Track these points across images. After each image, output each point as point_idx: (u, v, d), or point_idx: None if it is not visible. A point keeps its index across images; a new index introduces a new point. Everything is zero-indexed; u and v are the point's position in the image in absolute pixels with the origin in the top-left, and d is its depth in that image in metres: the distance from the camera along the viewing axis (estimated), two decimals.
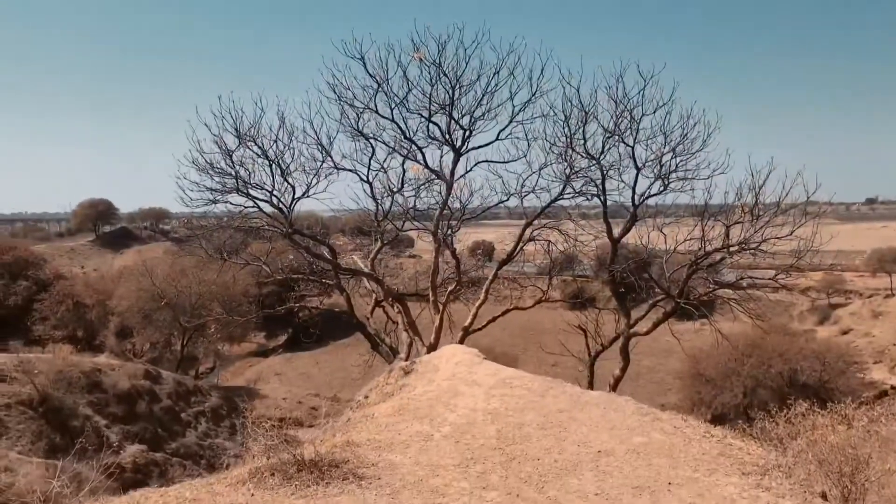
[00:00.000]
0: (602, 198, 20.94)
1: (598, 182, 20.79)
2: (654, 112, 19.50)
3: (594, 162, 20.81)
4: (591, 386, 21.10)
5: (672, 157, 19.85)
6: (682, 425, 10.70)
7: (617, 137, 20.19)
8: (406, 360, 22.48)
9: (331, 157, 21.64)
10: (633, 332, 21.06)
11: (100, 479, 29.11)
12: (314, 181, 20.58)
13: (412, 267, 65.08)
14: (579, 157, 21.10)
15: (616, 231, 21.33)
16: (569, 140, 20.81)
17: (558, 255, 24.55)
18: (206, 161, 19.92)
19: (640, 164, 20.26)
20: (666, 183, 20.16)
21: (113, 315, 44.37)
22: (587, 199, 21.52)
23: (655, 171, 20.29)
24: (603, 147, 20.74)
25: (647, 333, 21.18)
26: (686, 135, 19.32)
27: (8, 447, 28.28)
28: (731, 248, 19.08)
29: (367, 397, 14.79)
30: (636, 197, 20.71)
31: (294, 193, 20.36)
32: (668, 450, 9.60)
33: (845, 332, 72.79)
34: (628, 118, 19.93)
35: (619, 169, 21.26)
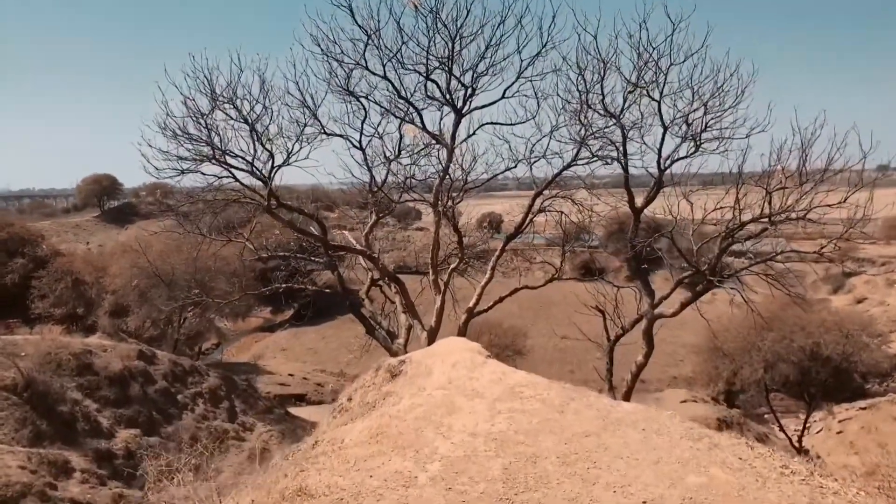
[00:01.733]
0: (623, 161, 17.78)
1: (619, 144, 17.73)
2: (684, 61, 16.39)
3: (614, 121, 17.70)
4: (610, 374, 18.30)
5: (703, 114, 16.78)
6: (750, 455, 7.78)
7: (640, 91, 17.07)
8: (405, 345, 19.69)
9: (318, 120, 18.68)
10: (657, 313, 18.15)
11: (88, 466, 26.46)
12: (295, 147, 17.63)
13: (419, 240, 62.36)
14: (596, 115, 18.06)
15: (638, 200, 18.34)
16: (584, 96, 17.72)
17: (571, 227, 21.62)
18: (177, 126, 17.02)
19: (666, 123, 17.23)
20: (698, 143, 17.15)
21: (107, 293, 41.84)
22: (606, 163, 18.43)
23: (684, 130, 17.24)
24: (623, 103, 17.59)
25: (674, 315, 18.21)
26: (722, 87, 16.24)
27: None
28: (775, 218, 16.03)
29: (350, 399, 11.98)
30: (662, 160, 17.74)
31: (273, 161, 17.44)
32: (739, 497, 6.76)
33: (860, 301, 69.83)
34: (654, 69, 16.85)
35: (641, 129, 18.22)
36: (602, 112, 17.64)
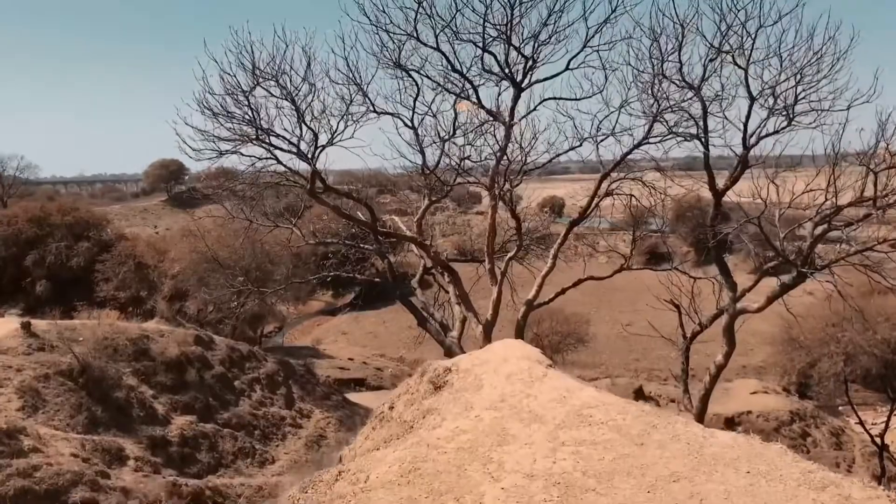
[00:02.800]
0: (703, 138, 15.56)
1: (698, 118, 15.48)
2: (776, 23, 14.07)
3: (692, 93, 15.44)
4: (686, 375, 16.21)
5: (796, 84, 14.42)
6: None
7: (724, 57, 14.81)
8: (458, 339, 17.96)
9: (367, 98, 16.96)
10: (740, 308, 15.90)
11: (142, 454, 25.48)
12: (340, 126, 15.91)
13: (479, 224, 60.48)
14: (673, 87, 15.81)
15: (719, 182, 16.07)
16: (659, 66, 15.49)
17: (643, 212, 19.46)
18: (217, 104, 15.51)
19: (754, 93, 14.93)
20: (791, 116, 14.82)
21: (166, 278, 41.25)
22: (685, 139, 16.11)
23: (771, 102, 14.91)
24: (704, 72, 15.34)
25: (759, 310, 15.94)
26: (819, 52, 13.88)
27: (44, 421, 25.22)
28: (882, 202, 13.63)
29: (391, 407, 10.30)
30: (749, 137, 15.43)
31: (317, 141, 15.77)
32: None
33: None
34: (739, 32, 14.57)
35: (722, 102, 15.91)
36: (679, 83, 15.40)
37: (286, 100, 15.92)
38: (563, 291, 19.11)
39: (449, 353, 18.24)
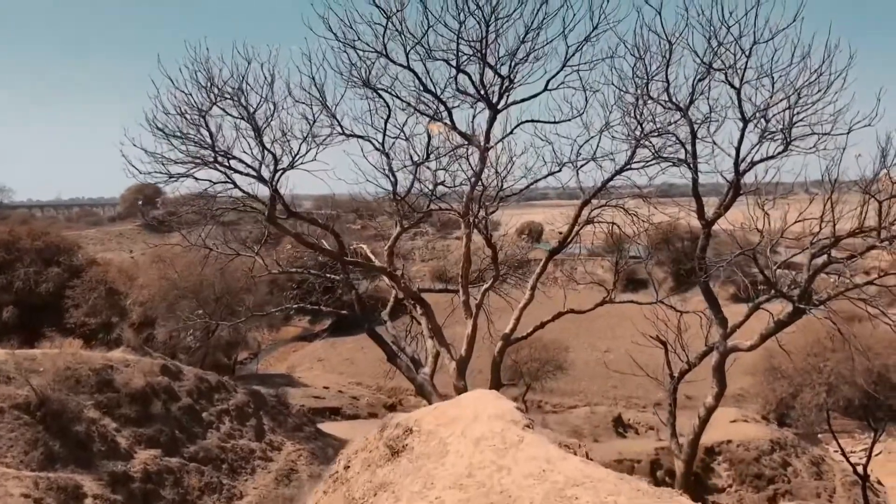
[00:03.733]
0: (692, 163, 14.23)
1: (686, 142, 14.16)
2: (770, 40, 12.82)
3: (680, 114, 14.18)
4: (674, 418, 14.75)
5: (792, 105, 13.13)
6: None
7: (715, 75, 13.52)
8: (431, 376, 16.44)
9: (335, 119, 15.55)
10: (731, 346, 14.50)
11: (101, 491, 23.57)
12: (303, 149, 14.44)
13: (458, 249, 59.07)
14: (658, 108, 14.56)
15: (709, 211, 14.68)
16: (644, 86, 14.24)
17: (625, 240, 18.11)
18: (171, 124, 14.01)
19: (747, 115, 13.64)
20: (788, 139, 13.53)
21: (134, 304, 39.34)
22: (672, 164, 14.75)
23: (764, 124, 13.60)
24: (693, 92, 14.09)
25: (751, 349, 14.55)
26: (819, 70, 12.60)
27: None
28: (889, 233, 12.27)
29: (347, 467, 8.76)
30: (740, 161, 14.09)
31: (277, 164, 14.28)
32: None
33: None
34: (733, 48, 13.31)
35: (710, 124, 14.58)
36: (666, 104, 14.07)
37: (245, 120, 14.47)
38: (542, 325, 17.67)
39: (420, 391, 16.74)
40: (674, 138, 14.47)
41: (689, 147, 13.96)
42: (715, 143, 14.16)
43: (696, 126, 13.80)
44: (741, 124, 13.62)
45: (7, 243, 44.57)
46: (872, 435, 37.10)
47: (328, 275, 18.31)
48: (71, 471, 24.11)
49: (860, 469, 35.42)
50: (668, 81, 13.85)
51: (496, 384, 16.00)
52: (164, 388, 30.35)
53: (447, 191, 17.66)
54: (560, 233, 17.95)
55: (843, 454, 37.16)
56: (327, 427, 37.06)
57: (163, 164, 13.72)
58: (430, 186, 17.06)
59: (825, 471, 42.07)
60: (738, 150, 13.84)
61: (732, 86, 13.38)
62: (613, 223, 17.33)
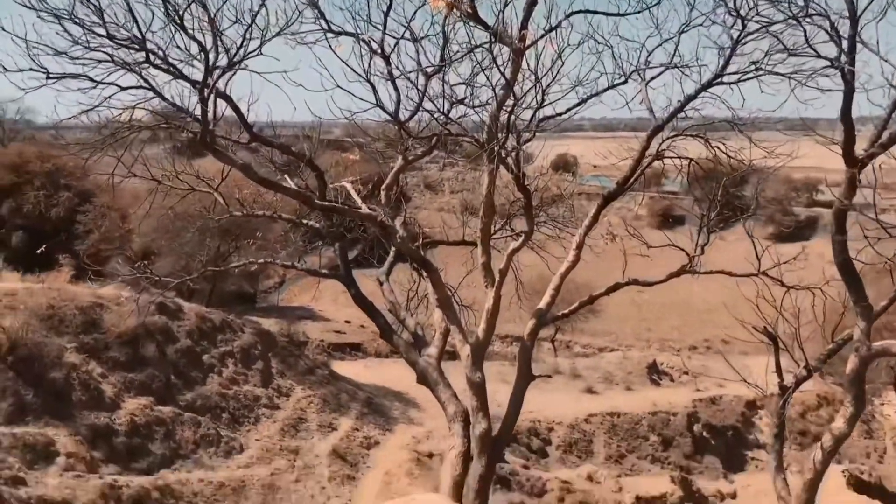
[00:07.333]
0: (844, 63, 8.27)
1: (833, 30, 8.30)
2: None
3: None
4: (781, 444, 9.65)
5: None
6: None
7: None
8: (437, 359, 11.51)
9: (317, 7, 10.27)
10: (880, 347, 9.01)
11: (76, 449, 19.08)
12: (248, 41, 9.18)
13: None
14: None
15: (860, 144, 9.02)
16: None
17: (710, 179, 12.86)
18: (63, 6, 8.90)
19: None
20: None
21: (135, 235, 35.06)
22: (816, 74, 9.06)
23: None
24: None
25: None
26: None
27: None
28: None
29: None
30: None
31: (209, 60, 9.08)
32: None
33: None
34: None
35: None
36: None
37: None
38: (591, 300, 12.63)
39: (423, 379, 11.92)
40: (803, 40, 8.77)
41: (842, 38, 8.22)
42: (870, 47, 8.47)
43: (856, 10, 8.01)
44: None
45: (16, 166, 40.71)
46: None
47: (303, 220, 13.32)
48: (44, 424, 20.21)
49: None
50: None
51: (525, 376, 11.05)
52: (160, 328, 26.20)
53: (468, 112, 12.16)
54: (614, 168, 12.64)
55: None
56: (342, 370, 32.91)
57: (56, 56, 8.68)
58: (445, 104, 11.58)
59: (875, 429, 37.43)
60: None
61: None
62: (691, 160, 11.95)
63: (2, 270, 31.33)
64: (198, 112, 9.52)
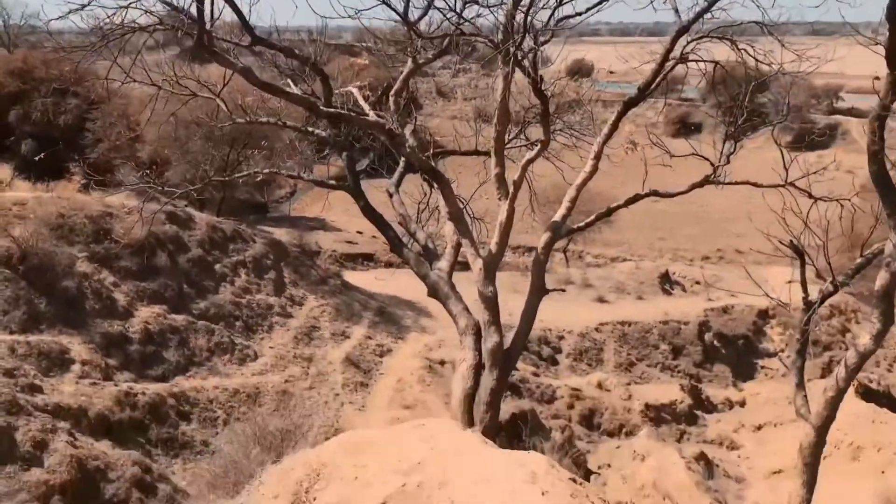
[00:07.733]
0: None
1: None
2: None
3: None
4: (803, 360, 9.30)
5: None
6: None
7: None
8: (448, 273, 11.15)
9: None
10: None
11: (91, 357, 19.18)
12: None
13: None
14: None
15: None
16: None
17: (733, 84, 12.06)
18: None
19: None
20: None
21: (144, 143, 34.29)
22: None
23: None
24: None
25: None
26: None
27: None
28: None
29: None
30: None
31: None
32: None
33: None
34: None
35: None
36: None
37: None
38: (609, 212, 12.11)
39: (433, 292, 11.59)
40: None
41: None
42: None
43: None
44: None
45: (21, 72, 39.54)
46: None
47: (311, 129, 12.68)
48: (58, 332, 20.20)
49: None
50: None
51: (539, 290, 10.69)
52: (171, 237, 25.93)
53: (481, 11, 11.29)
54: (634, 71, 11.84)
55: None
56: (354, 280, 32.77)
57: None
58: (458, 3, 10.72)
59: (886, 338, 37.37)
60: None
61: None
62: (717, 62, 11.15)
63: (13, 179, 30.81)
64: (194, 11, 8.81)
